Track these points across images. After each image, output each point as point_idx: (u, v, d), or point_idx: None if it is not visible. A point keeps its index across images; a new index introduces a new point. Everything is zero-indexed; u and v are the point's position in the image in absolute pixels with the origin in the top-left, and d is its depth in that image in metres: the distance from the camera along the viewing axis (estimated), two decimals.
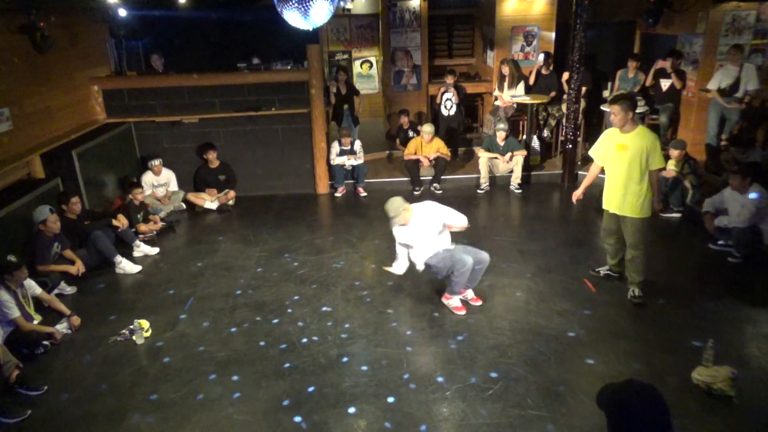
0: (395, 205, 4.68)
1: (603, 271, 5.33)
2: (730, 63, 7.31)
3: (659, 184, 4.74)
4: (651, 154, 4.51)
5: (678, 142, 6.75)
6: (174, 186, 7.61)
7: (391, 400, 3.83)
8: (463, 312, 4.83)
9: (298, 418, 3.70)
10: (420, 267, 4.89)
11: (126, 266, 5.86)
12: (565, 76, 8.31)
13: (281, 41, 8.35)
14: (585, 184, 5.12)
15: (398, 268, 5.08)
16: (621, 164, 4.63)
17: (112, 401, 3.93)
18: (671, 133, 8.53)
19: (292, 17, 3.67)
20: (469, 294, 5.02)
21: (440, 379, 4.01)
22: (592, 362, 4.14)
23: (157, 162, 7.41)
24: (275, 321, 4.85)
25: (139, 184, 6.89)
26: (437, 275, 4.92)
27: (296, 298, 5.23)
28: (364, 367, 4.18)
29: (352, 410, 3.75)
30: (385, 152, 9.46)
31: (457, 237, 5.17)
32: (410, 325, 4.71)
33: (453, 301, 4.91)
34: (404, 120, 8.94)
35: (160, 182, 7.47)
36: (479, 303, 4.98)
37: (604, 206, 4.93)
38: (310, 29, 3.86)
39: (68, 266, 5.45)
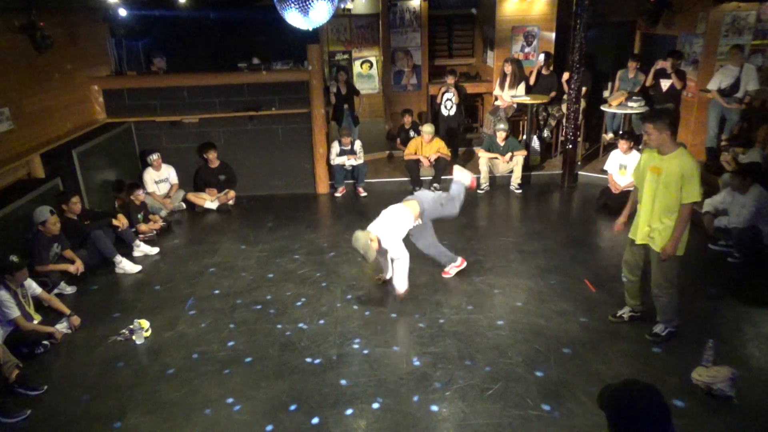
0: (361, 241, 4.68)
1: (626, 314, 4.59)
2: (730, 63, 7.31)
3: (688, 222, 3.99)
4: (686, 182, 3.86)
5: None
6: (174, 179, 7.64)
7: (390, 400, 3.83)
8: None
9: (297, 418, 3.70)
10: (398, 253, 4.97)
11: (126, 266, 5.86)
12: (565, 76, 8.31)
13: (281, 41, 8.34)
14: (626, 211, 4.49)
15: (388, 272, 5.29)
16: (651, 189, 4.06)
17: (112, 401, 3.93)
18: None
19: (292, 17, 3.67)
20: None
21: (440, 378, 4.01)
22: (591, 362, 4.14)
23: (155, 156, 7.42)
24: (275, 321, 4.85)
25: (138, 185, 6.89)
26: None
27: (296, 298, 5.22)
28: (364, 367, 4.18)
29: (352, 410, 3.75)
30: (385, 152, 9.46)
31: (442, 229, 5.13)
32: (410, 325, 4.71)
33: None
34: (407, 119, 8.94)
35: (161, 177, 7.49)
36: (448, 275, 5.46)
37: (630, 235, 4.37)
38: (310, 29, 3.86)
39: (67, 265, 5.44)
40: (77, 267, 5.48)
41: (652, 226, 4.12)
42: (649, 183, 4.07)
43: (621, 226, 4.55)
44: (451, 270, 5.47)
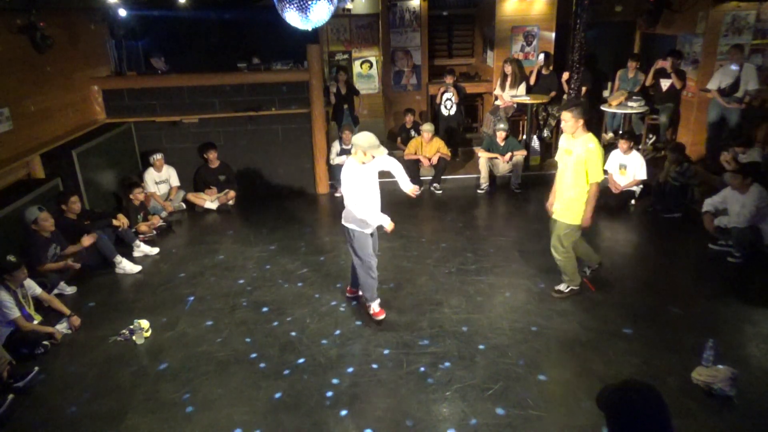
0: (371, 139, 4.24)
1: (588, 272, 5.30)
2: (730, 63, 7.31)
3: (595, 199, 4.66)
4: (590, 165, 4.48)
5: (677, 146, 6.80)
6: (175, 181, 7.63)
7: (391, 400, 3.83)
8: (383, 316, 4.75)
9: (297, 419, 3.70)
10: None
11: (126, 266, 5.86)
12: (565, 76, 8.31)
13: (281, 41, 8.35)
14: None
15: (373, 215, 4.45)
16: (563, 168, 4.72)
17: (112, 401, 3.93)
18: (671, 133, 8.53)
19: (292, 17, 3.67)
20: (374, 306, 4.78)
21: (440, 379, 4.01)
22: (591, 362, 4.14)
23: (158, 156, 7.42)
24: (275, 321, 4.85)
25: (139, 184, 6.89)
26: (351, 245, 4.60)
27: (296, 298, 5.22)
28: (365, 367, 4.18)
29: (352, 410, 3.75)
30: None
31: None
32: (410, 325, 4.71)
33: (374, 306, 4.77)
34: (408, 119, 8.95)
35: (161, 178, 7.49)
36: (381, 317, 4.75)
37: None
38: (310, 29, 3.86)
39: (67, 261, 5.45)
40: (83, 243, 5.52)
41: (559, 199, 4.78)
42: (563, 162, 4.70)
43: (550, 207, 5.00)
44: (374, 308, 4.78)
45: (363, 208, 4.33)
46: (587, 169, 4.50)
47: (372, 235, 4.61)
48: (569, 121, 4.49)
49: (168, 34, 9.02)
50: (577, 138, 4.53)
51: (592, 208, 4.68)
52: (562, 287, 5.02)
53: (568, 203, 4.69)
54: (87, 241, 5.53)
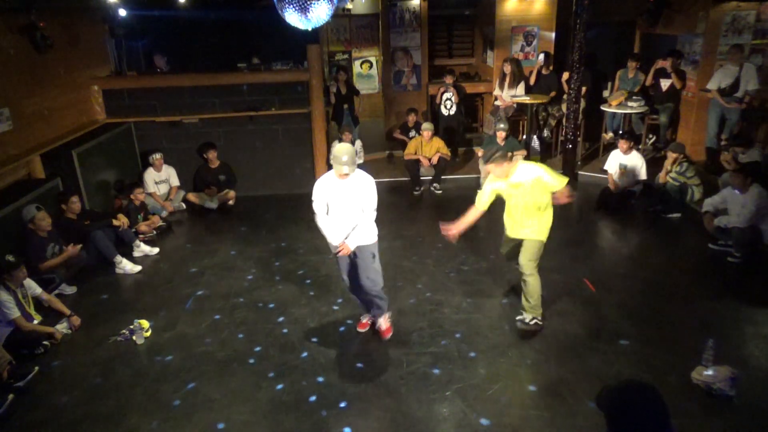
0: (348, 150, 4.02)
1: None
2: (730, 63, 7.31)
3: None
4: (548, 178, 4.34)
5: (677, 146, 6.80)
6: (175, 181, 7.64)
7: (391, 399, 3.83)
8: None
9: (297, 419, 3.70)
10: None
11: (126, 266, 5.86)
12: (565, 76, 8.30)
13: (281, 41, 8.34)
14: (463, 226, 4.67)
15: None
16: (518, 200, 4.48)
17: (112, 401, 3.93)
18: (671, 133, 8.53)
19: (292, 17, 3.67)
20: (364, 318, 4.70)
21: (440, 378, 4.01)
22: (591, 362, 4.14)
23: (158, 156, 7.43)
24: (275, 321, 4.85)
25: (139, 184, 6.90)
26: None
27: (296, 298, 5.22)
28: (365, 367, 4.18)
29: (352, 410, 3.75)
30: (385, 152, 9.46)
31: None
32: (410, 325, 4.71)
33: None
34: (411, 118, 8.95)
35: (161, 178, 7.49)
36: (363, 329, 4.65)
37: (510, 234, 4.77)
38: (309, 30, 3.86)
39: (68, 253, 5.46)
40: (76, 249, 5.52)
41: (524, 228, 4.54)
42: (515, 197, 4.48)
43: (454, 239, 4.68)
44: (380, 323, 4.58)
45: (323, 220, 4.24)
46: (546, 185, 4.35)
47: (340, 253, 4.20)
48: (496, 170, 4.35)
49: (168, 34, 9.02)
50: (513, 173, 4.37)
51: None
52: (526, 318, 4.59)
53: (536, 224, 4.50)
54: (72, 250, 5.53)
